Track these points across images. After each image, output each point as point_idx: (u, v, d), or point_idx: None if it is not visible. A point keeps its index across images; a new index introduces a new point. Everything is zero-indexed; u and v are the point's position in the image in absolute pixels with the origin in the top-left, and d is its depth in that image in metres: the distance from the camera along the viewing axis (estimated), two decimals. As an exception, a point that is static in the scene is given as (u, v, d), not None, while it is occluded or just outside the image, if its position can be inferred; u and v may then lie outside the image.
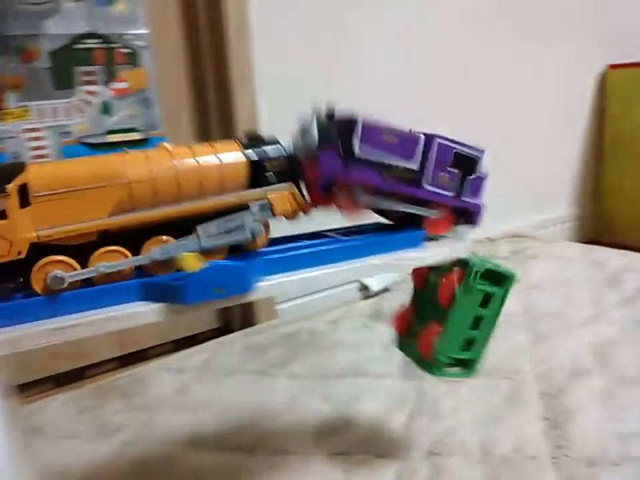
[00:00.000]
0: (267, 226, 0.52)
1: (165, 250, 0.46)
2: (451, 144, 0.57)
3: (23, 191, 0.41)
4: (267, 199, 0.51)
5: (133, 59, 0.84)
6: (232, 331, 1.19)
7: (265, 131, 1.04)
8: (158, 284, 0.45)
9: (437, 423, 0.77)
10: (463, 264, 0.59)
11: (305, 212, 0.54)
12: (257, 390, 0.92)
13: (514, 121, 1.67)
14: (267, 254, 0.50)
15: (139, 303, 0.44)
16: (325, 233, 0.56)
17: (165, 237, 0.47)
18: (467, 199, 0.58)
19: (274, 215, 0.52)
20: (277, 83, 1.17)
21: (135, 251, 0.46)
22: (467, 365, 0.63)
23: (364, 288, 1.33)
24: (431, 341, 0.60)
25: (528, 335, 1.03)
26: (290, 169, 0.53)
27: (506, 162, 1.52)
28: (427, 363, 0.62)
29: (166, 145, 0.48)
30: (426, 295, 0.63)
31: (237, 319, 1.26)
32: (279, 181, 0.52)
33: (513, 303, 1.16)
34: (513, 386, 0.86)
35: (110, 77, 0.82)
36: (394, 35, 1.36)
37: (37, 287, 0.43)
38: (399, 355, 0.77)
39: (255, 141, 0.52)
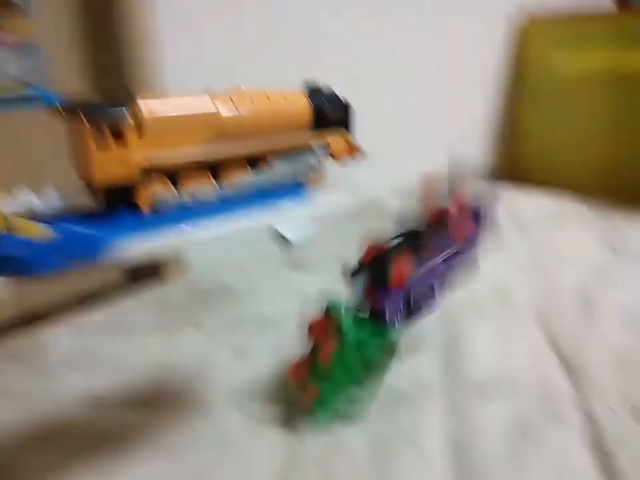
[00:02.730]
0: (323, 167, 0.58)
1: (246, 181, 0.52)
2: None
3: (138, 122, 0.45)
4: (327, 141, 0.58)
5: (19, 8, 0.79)
6: (140, 287, 0.98)
7: (164, 84, 0.96)
8: None
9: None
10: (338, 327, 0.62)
11: (354, 157, 0.62)
12: (164, 346, 0.87)
13: (428, 69, 1.60)
14: (129, 215, 0.48)
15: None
16: None
17: (243, 168, 0.53)
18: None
19: (331, 156, 0.59)
20: (179, 38, 1.07)
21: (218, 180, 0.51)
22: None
23: (281, 237, 1.11)
24: (309, 402, 0.62)
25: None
26: (345, 117, 0.60)
27: (422, 109, 1.61)
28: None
29: (243, 88, 0.53)
30: (315, 352, 0.63)
31: (145, 273, 0.98)
32: (335, 127, 0.59)
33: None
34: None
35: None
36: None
37: (144, 205, 0.48)
38: (313, 305, 0.96)
39: (315, 90, 0.59)
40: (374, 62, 1.45)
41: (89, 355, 0.84)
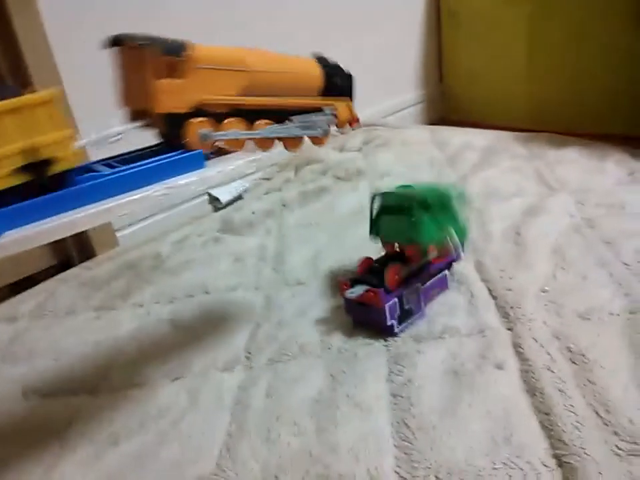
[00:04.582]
0: (330, 129, 0.64)
1: (271, 130, 0.58)
2: None
3: (192, 60, 0.50)
4: (335, 107, 0.64)
5: None
6: (71, 267, 0.98)
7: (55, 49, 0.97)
8: None
9: (281, 330, 0.78)
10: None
11: (352, 125, 0.69)
12: (98, 327, 0.85)
13: (352, 10, 1.59)
14: (13, 202, 0.42)
15: None
16: (92, 167, 0.51)
17: (267, 120, 0.59)
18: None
19: (337, 119, 0.65)
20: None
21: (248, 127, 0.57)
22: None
23: (214, 200, 1.10)
24: None
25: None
26: (349, 86, 0.67)
27: (351, 53, 1.48)
28: None
29: (267, 50, 0.59)
30: None
31: (75, 251, 1.01)
32: (341, 95, 0.66)
33: (361, 195, 1.18)
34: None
35: None
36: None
37: (191, 139, 0.52)
38: (247, 266, 0.95)
39: (323, 60, 0.65)
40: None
41: (22, 344, 0.83)
